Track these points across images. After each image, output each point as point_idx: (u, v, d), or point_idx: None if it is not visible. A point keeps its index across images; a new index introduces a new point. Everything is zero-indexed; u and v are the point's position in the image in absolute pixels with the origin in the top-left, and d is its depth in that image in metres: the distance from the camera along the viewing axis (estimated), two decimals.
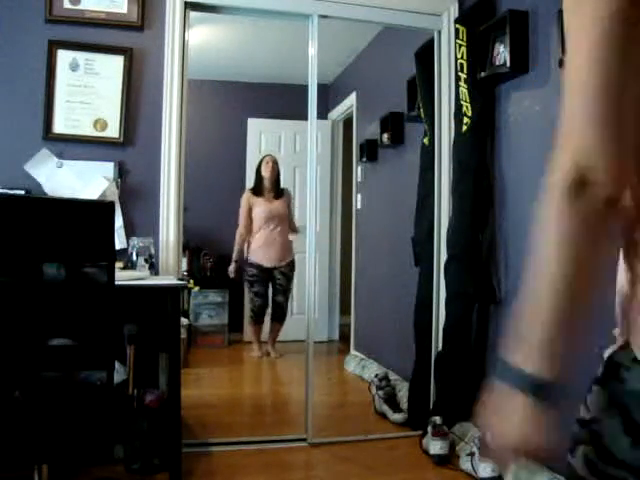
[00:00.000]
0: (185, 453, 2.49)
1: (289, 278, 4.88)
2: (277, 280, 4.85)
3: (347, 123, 5.30)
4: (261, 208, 4.78)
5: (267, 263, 4.79)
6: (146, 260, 2.66)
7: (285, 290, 4.87)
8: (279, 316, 4.88)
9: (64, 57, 2.78)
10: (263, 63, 5.08)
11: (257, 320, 4.83)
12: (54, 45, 2.76)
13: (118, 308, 1.93)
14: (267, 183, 4.80)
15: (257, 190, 4.81)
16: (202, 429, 3.06)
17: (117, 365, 2.34)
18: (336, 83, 5.40)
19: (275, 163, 4.84)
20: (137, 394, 2.51)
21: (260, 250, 4.78)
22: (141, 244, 2.69)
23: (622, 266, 0.73)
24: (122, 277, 2.24)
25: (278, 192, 4.84)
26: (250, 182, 5.28)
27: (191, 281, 4.83)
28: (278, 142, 5.51)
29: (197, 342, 4.97)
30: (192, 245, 4.95)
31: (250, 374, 4.72)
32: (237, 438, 2.94)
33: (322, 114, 4.72)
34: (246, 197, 4.82)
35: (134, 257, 2.67)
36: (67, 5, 2.77)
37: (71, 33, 2.78)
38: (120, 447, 2.53)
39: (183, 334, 4.20)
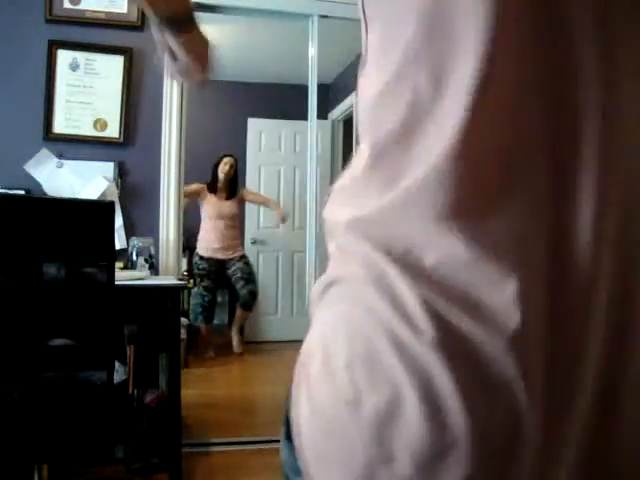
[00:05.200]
0: (185, 453, 2.49)
1: (249, 265, 4.88)
2: (240, 271, 4.81)
3: (347, 123, 5.30)
4: (210, 206, 4.78)
5: (217, 255, 4.77)
6: (146, 260, 2.66)
7: (252, 277, 4.86)
8: (248, 304, 4.85)
9: (64, 57, 2.78)
10: (263, 63, 5.08)
11: (208, 318, 4.80)
12: (54, 45, 2.76)
13: (118, 308, 1.93)
14: (221, 182, 4.80)
15: (211, 187, 4.80)
16: (202, 429, 3.06)
17: (117, 365, 2.34)
18: (336, 83, 5.40)
19: (232, 166, 4.82)
20: (137, 394, 2.51)
21: (209, 244, 4.78)
22: (141, 244, 2.68)
23: None
24: (122, 277, 2.24)
25: (231, 193, 4.83)
26: (250, 182, 5.29)
27: (191, 281, 4.83)
28: (278, 142, 5.51)
29: (197, 342, 4.96)
30: (192, 245, 4.96)
31: (250, 374, 4.72)
32: (237, 438, 2.94)
33: (322, 114, 4.72)
34: (199, 185, 4.73)
35: (134, 257, 2.67)
36: (67, 5, 2.77)
37: (71, 33, 2.78)
38: (120, 447, 2.53)
39: (183, 334, 4.20)
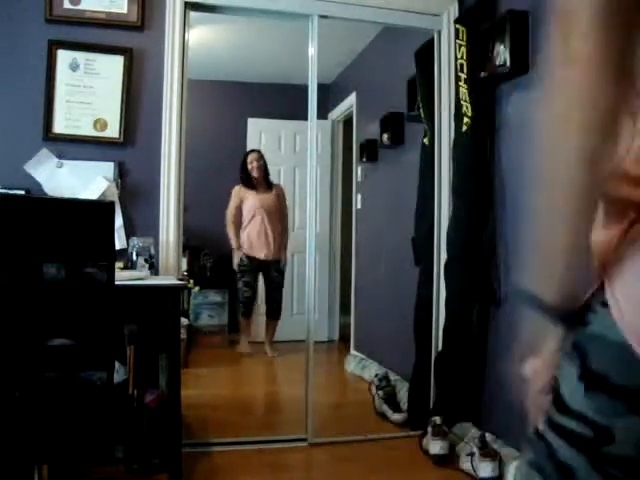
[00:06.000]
0: (185, 453, 2.49)
1: (282, 274, 4.93)
2: (273, 275, 4.89)
3: (347, 123, 5.30)
4: (252, 199, 4.83)
5: (259, 254, 4.83)
6: (146, 260, 2.66)
7: (280, 286, 4.93)
8: (275, 313, 4.91)
9: (64, 57, 2.78)
10: (263, 63, 5.08)
11: (246, 312, 4.85)
12: (54, 45, 2.76)
13: (118, 308, 1.93)
14: (256, 178, 4.86)
15: (248, 183, 4.86)
16: (202, 429, 3.06)
17: (117, 365, 2.34)
18: (336, 83, 5.40)
19: (259, 160, 4.87)
20: (137, 394, 2.51)
21: (251, 241, 4.83)
22: (141, 244, 2.68)
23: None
24: (122, 277, 2.24)
25: (268, 185, 4.90)
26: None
27: (191, 281, 4.82)
28: (278, 142, 5.50)
29: (197, 342, 4.96)
30: (192, 245, 4.95)
31: (250, 374, 4.72)
32: (237, 438, 2.93)
33: (322, 114, 4.72)
34: (236, 190, 4.85)
35: (134, 257, 2.67)
36: (67, 5, 2.77)
37: (71, 33, 2.78)
38: (120, 447, 2.53)
39: (183, 334, 4.19)
